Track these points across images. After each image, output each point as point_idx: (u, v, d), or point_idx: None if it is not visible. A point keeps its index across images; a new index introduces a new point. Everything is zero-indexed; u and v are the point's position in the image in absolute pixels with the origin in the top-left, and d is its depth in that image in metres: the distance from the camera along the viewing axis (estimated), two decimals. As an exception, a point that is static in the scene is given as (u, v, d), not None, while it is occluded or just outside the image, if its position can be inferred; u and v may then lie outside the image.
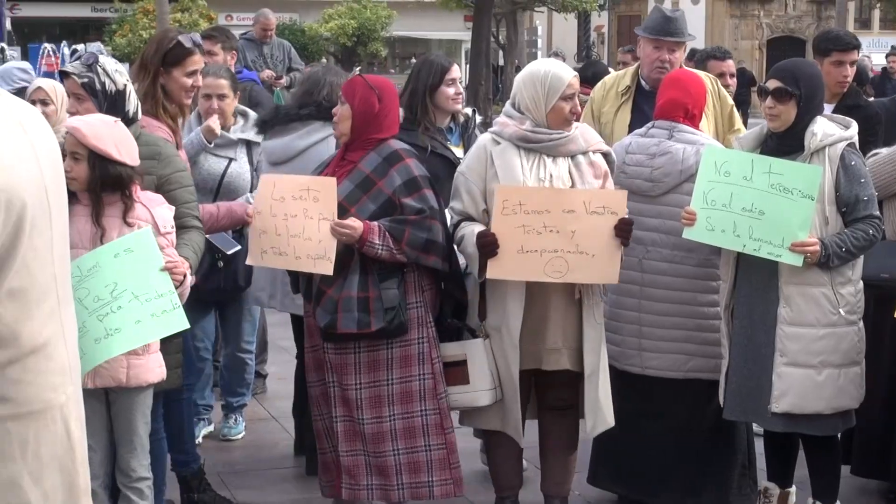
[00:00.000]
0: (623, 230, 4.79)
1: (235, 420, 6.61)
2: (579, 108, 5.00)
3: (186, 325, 4.28)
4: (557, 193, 4.78)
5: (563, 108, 4.86)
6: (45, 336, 2.95)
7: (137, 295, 4.17)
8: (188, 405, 5.40)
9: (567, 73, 4.91)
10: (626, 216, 4.83)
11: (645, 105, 5.87)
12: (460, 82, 5.74)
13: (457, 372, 4.90)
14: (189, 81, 5.07)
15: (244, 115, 6.03)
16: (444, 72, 5.60)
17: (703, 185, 4.93)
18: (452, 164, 5.36)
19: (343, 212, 4.76)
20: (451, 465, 4.90)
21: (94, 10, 46.27)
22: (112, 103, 4.65)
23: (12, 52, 20.86)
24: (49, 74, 18.41)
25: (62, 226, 3.10)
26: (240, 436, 6.59)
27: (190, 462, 5.41)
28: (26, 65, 9.47)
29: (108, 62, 4.74)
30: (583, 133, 4.97)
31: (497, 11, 33.46)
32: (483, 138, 5.00)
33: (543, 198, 4.75)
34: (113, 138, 4.30)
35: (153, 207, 4.38)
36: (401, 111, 5.20)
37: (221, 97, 5.96)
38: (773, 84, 4.90)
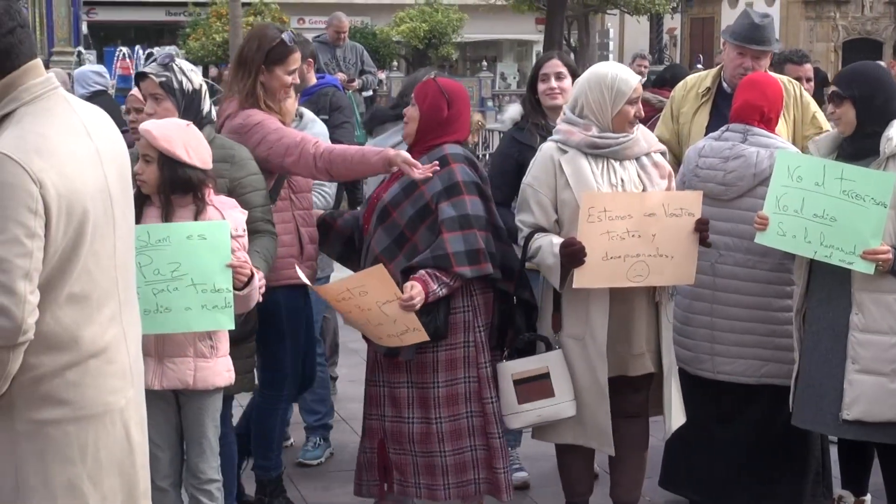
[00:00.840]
0: (702, 231, 4.83)
1: (315, 443, 6.31)
2: (642, 111, 4.99)
3: (231, 327, 4.29)
4: (640, 197, 4.80)
5: (629, 112, 4.86)
6: (106, 340, 2.98)
7: (196, 283, 4.19)
8: (282, 414, 5.38)
9: (633, 77, 4.91)
10: (702, 216, 4.85)
11: (724, 108, 5.82)
12: (560, 77, 5.69)
13: (540, 386, 4.87)
14: (289, 79, 5.12)
15: (300, 116, 5.92)
16: (539, 66, 5.71)
17: (776, 189, 4.90)
18: None
19: (386, 215, 4.88)
20: (493, 468, 4.91)
21: (169, 13, 46.77)
22: (189, 103, 4.72)
23: (88, 55, 21.17)
24: (124, 78, 18.64)
25: (126, 231, 3.12)
26: (315, 461, 6.26)
27: (271, 469, 5.43)
28: (101, 68, 9.62)
29: (183, 62, 4.82)
30: (643, 134, 4.98)
31: (569, 14, 33.34)
32: (547, 147, 4.96)
33: (627, 203, 4.76)
34: (183, 141, 4.34)
35: (225, 210, 4.41)
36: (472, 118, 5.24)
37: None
38: (830, 87, 4.92)
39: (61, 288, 2.90)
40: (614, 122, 4.87)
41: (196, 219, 4.35)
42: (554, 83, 5.67)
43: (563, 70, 5.69)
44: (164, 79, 4.72)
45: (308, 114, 5.96)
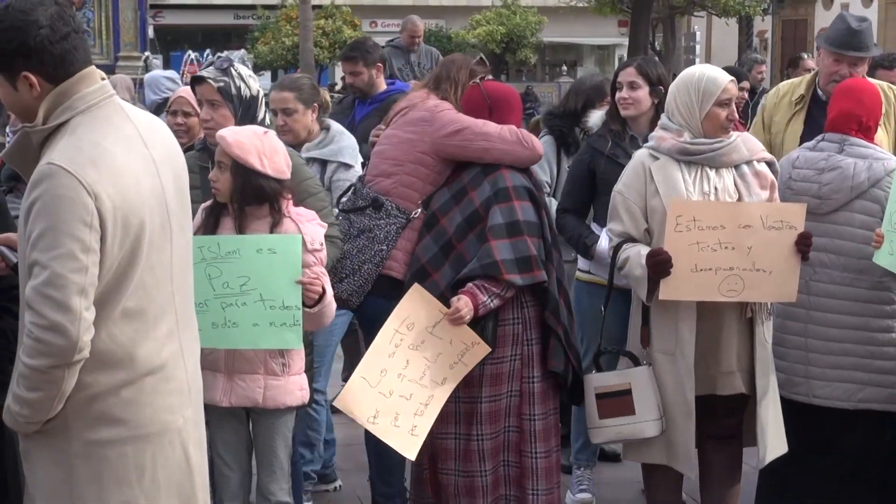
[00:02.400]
0: (803, 245, 4.77)
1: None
2: (736, 114, 4.94)
3: (299, 346, 4.29)
4: (734, 208, 4.75)
5: (719, 115, 4.82)
6: (163, 357, 2.98)
7: (265, 298, 4.20)
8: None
9: (722, 77, 4.87)
10: (804, 230, 4.80)
11: (819, 117, 5.73)
12: (633, 87, 5.69)
13: (621, 402, 4.84)
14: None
15: (327, 130, 5.86)
16: (616, 74, 5.82)
17: (891, 206, 4.82)
18: None
19: (435, 222, 4.95)
20: (523, 487, 4.92)
21: (237, 17, 47.31)
22: (246, 109, 4.75)
23: (155, 59, 21.45)
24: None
25: (184, 244, 3.12)
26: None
27: (394, 496, 5.39)
28: (173, 73, 9.76)
29: (241, 67, 4.84)
30: (744, 141, 4.92)
31: (654, 16, 33.21)
32: (639, 154, 4.98)
33: (719, 213, 4.72)
34: (258, 149, 4.35)
35: (303, 223, 4.42)
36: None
37: (286, 112, 5.72)
38: None
39: (116, 303, 2.91)
40: (704, 125, 4.83)
41: (272, 231, 4.36)
42: (626, 93, 5.69)
43: (637, 80, 5.68)
44: (222, 84, 4.75)
45: (335, 126, 5.94)
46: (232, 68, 4.77)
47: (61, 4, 2.93)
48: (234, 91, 4.75)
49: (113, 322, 2.89)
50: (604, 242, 5.38)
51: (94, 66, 2.99)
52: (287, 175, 4.42)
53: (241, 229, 4.37)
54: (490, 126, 5.00)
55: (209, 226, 4.42)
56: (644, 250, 4.77)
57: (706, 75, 4.86)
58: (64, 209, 2.75)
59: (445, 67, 5.42)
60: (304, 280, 4.25)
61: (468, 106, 5.11)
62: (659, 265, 4.69)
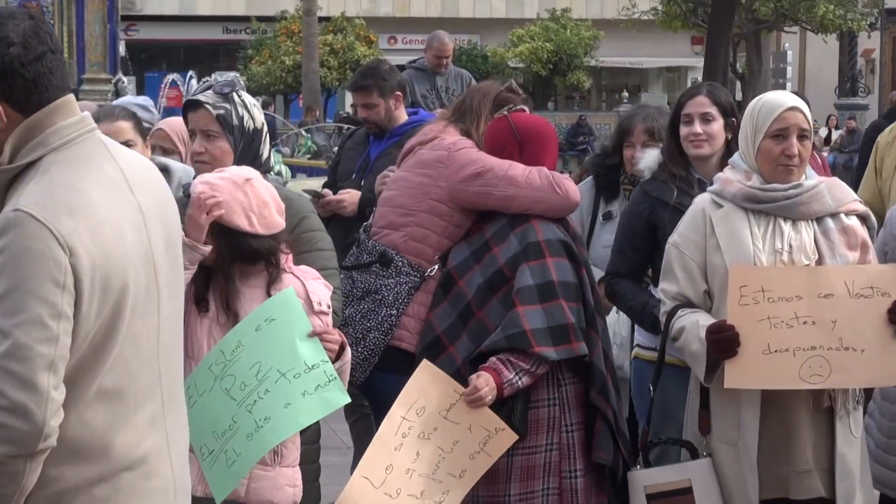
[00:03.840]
0: None
1: None
2: (806, 151, 4.79)
3: (347, 400, 4.29)
4: (811, 273, 4.69)
5: (771, 150, 4.74)
6: (145, 449, 2.94)
7: (284, 372, 4.22)
8: None
9: (781, 101, 4.80)
10: None
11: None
12: (707, 119, 5.60)
13: (680, 503, 4.84)
14: None
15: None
16: (681, 105, 5.65)
17: None
18: None
19: (452, 283, 4.99)
20: None
21: (227, 31, 47.47)
22: (248, 144, 4.81)
23: (127, 83, 21.58)
24: (172, 112, 18.95)
25: (174, 310, 3.10)
26: None
27: None
28: (147, 100, 9.55)
29: (245, 94, 4.90)
30: (830, 188, 4.83)
31: (735, 32, 33.21)
32: (700, 200, 4.92)
33: (793, 280, 4.67)
34: (242, 205, 4.41)
35: (307, 280, 4.46)
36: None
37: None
38: None
39: (91, 382, 2.85)
40: (759, 163, 4.77)
41: (269, 289, 4.40)
42: (698, 127, 5.56)
43: (712, 111, 5.55)
44: (222, 111, 4.80)
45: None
46: (235, 94, 4.82)
47: (36, 19, 2.91)
48: (235, 121, 4.80)
49: (86, 404, 2.85)
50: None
51: (72, 95, 2.96)
52: (282, 225, 4.45)
53: (228, 301, 4.42)
54: (517, 168, 5.03)
55: (196, 291, 4.47)
56: (703, 319, 4.72)
57: (764, 100, 4.83)
58: (32, 265, 2.72)
59: (470, 96, 5.49)
60: (319, 329, 4.29)
61: (493, 142, 5.13)
62: (723, 344, 4.63)
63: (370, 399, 5.43)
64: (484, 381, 4.68)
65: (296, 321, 4.27)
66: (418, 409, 4.69)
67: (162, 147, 5.82)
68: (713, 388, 4.77)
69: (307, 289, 4.40)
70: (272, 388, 4.18)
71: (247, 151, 4.79)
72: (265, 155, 4.88)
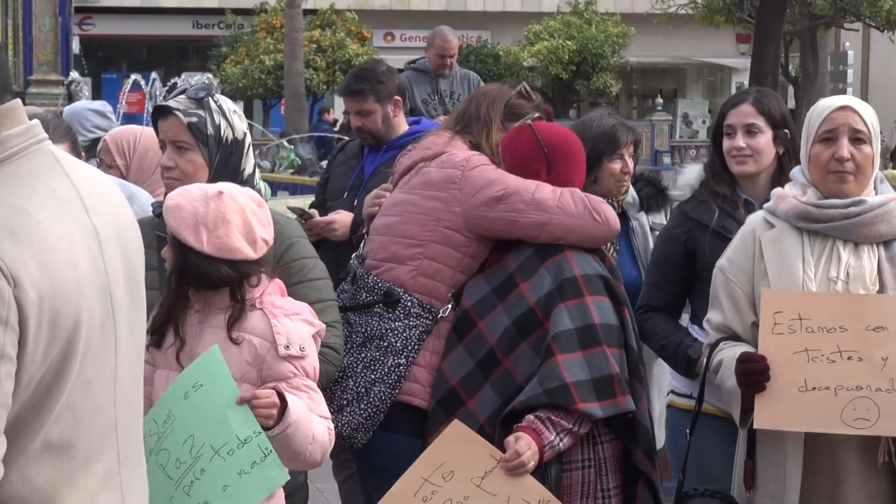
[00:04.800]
0: None
1: None
2: (864, 157, 4.73)
3: (285, 478, 4.31)
4: (859, 302, 4.68)
5: (819, 155, 4.75)
6: None
7: (217, 448, 4.25)
8: None
9: (836, 101, 4.83)
10: None
11: None
12: (751, 131, 5.59)
13: None
14: None
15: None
16: (724, 115, 5.65)
17: None
18: None
19: (469, 325, 4.97)
20: None
21: (197, 25, 47.59)
22: (226, 157, 4.85)
23: (82, 85, 21.55)
24: (133, 119, 18.95)
25: (133, 351, 3.10)
26: None
27: None
28: (104, 106, 9.59)
29: (224, 100, 4.93)
30: None
31: (788, 28, 33.28)
32: (753, 219, 4.95)
33: (837, 308, 4.67)
34: (196, 217, 4.42)
35: (277, 317, 4.45)
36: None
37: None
38: None
39: (35, 433, 2.85)
40: (812, 174, 4.80)
41: (229, 331, 4.43)
42: (741, 141, 5.58)
43: (758, 122, 5.56)
44: (194, 119, 4.83)
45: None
46: (211, 99, 4.85)
47: None
48: (210, 130, 4.83)
49: (29, 459, 2.84)
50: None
51: (18, 100, 2.94)
52: (249, 254, 4.45)
53: (175, 326, 4.46)
54: (545, 190, 5.02)
55: (163, 325, 4.50)
56: (742, 352, 4.76)
57: (820, 104, 4.85)
58: None
59: (475, 102, 5.48)
60: (246, 396, 4.27)
61: (514, 158, 5.10)
62: (751, 376, 4.64)
63: (368, 465, 5.36)
64: (525, 445, 4.67)
65: (222, 386, 4.29)
66: (445, 472, 4.70)
67: (108, 164, 5.86)
68: (760, 436, 4.78)
69: (273, 329, 4.40)
70: (208, 467, 4.23)
71: (224, 166, 4.82)
72: (248, 170, 4.91)
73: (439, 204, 5.14)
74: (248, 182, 4.86)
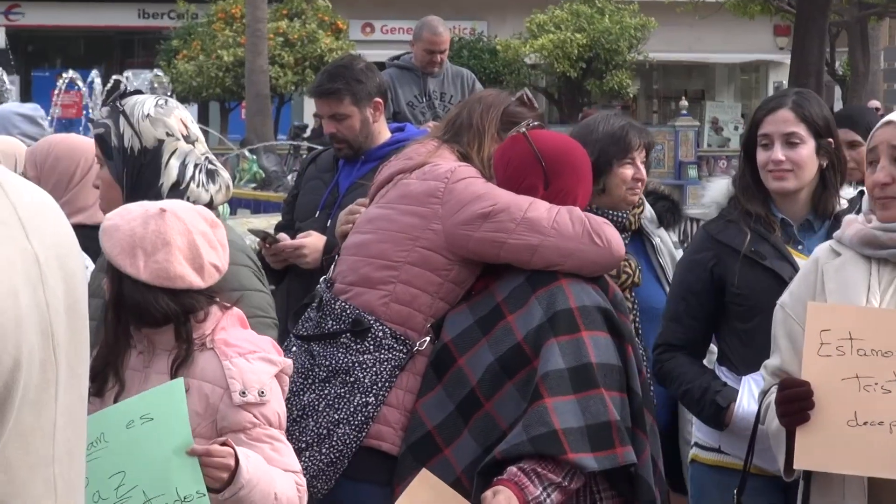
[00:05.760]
0: None
1: None
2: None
3: None
4: None
5: (867, 181, 4.84)
6: None
7: (150, 497, 4.25)
8: None
9: (892, 116, 4.88)
10: None
11: None
12: (791, 141, 5.56)
13: None
14: None
15: None
16: (758, 121, 5.62)
17: None
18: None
19: (449, 361, 5.00)
20: None
21: (143, 15, 47.64)
22: (135, 171, 4.91)
23: (9, 84, 21.61)
24: (68, 124, 18.98)
25: (75, 397, 3.10)
26: None
27: None
28: (35, 109, 9.54)
29: (144, 101, 4.97)
30: None
31: (834, 19, 33.33)
32: (819, 248, 5.00)
33: (892, 325, 4.74)
34: (133, 239, 4.43)
35: (231, 358, 4.45)
36: None
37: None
38: None
39: None
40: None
41: (174, 372, 4.44)
42: (779, 153, 5.58)
43: (799, 130, 5.53)
44: (101, 130, 4.91)
45: None
46: (123, 104, 4.91)
47: None
48: (114, 142, 4.89)
49: None
50: (748, 401, 5.33)
51: None
52: (194, 282, 4.45)
53: (115, 366, 4.49)
54: (539, 208, 5.04)
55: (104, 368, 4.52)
56: None
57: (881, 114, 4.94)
58: None
59: (468, 108, 5.52)
60: (198, 450, 4.28)
61: (507, 170, 5.14)
62: (790, 403, 4.66)
63: None
64: (505, 500, 4.70)
65: (175, 428, 4.29)
66: None
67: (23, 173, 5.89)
68: (814, 485, 4.78)
69: (226, 370, 4.40)
70: None
71: (138, 183, 4.89)
72: (166, 184, 4.93)
73: (418, 220, 5.17)
74: (176, 192, 4.88)
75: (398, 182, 5.34)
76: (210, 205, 4.91)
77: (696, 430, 5.79)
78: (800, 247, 5.53)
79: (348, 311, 5.19)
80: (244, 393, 4.41)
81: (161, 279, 4.40)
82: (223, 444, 4.33)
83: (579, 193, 5.16)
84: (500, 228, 5.02)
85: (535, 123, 5.32)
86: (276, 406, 4.49)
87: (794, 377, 4.71)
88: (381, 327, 5.15)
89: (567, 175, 5.14)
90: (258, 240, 6.61)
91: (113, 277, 4.44)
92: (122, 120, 4.88)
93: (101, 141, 4.86)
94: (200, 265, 4.46)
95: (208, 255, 4.49)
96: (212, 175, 5.09)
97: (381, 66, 9.22)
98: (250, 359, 4.48)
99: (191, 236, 4.47)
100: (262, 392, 4.44)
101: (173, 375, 4.39)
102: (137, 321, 4.45)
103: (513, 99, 5.50)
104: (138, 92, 5.01)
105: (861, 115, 7.63)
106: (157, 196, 4.81)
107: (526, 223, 4.99)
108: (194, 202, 4.89)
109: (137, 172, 4.86)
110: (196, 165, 5.03)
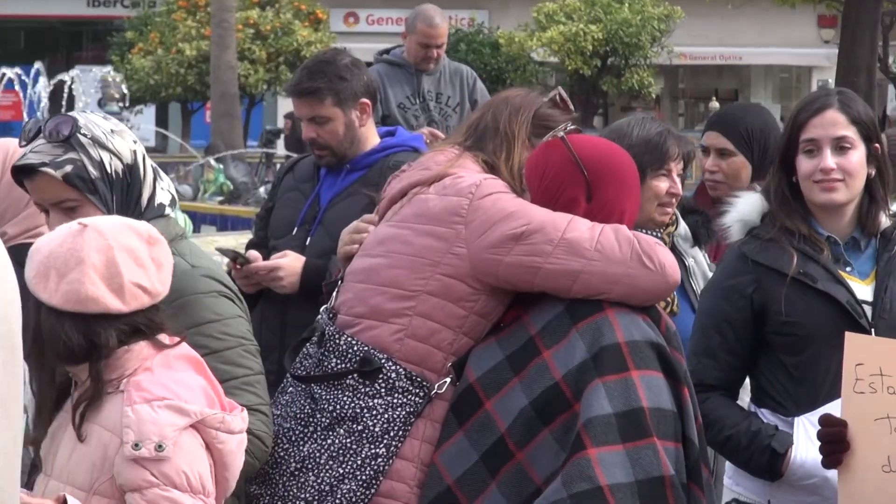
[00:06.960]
0: None
1: None
2: None
3: None
4: None
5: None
6: None
7: None
8: None
9: None
10: None
11: None
12: (841, 146, 5.54)
13: None
14: None
15: None
16: (800, 125, 5.57)
17: None
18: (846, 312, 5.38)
19: (475, 405, 4.94)
20: None
21: (93, 3, 47.62)
22: (124, 191, 4.94)
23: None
24: (6, 128, 19.01)
25: (9, 439, 3.12)
26: None
27: None
28: None
29: (94, 119, 4.97)
30: None
31: (887, 10, 33.37)
32: None
33: None
34: (47, 260, 4.43)
35: (134, 404, 4.38)
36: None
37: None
38: None
39: None
40: None
41: (75, 413, 4.44)
42: (829, 160, 5.55)
43: (850, 133, 5.51)
44: (69, 169, 4.86)
45: None
46: (79, 130, 4.88)
47: None
48: (94, 172, 4.88)
49: None
50: (805, 446, 5.28)
51: None
52: (111, 305, 4.42)
53: (45, 413, 4.55)
54: (581, 227, 4.99)
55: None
56: None
57: None
58: None
59: (493, 111, 5.47)
60: None
61: (543, 182, 5.12)
62: (827, 445, 4.77)
63: None
64: None
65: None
66: None
67: None
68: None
69: (124, 419, 4.38)
70: None
71: (127, 203, 4.92)
72: (146, 194, 4.98)
73: (438, 243, 5.10)
74: (151, 209, 4.95)
75: (414, 197, 5.25)
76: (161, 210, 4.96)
77: (734, 485, 5.73)
78: (848, 268, 5.50)
79: (355, 348, 5.11)
80: (137, 445, 4.36)
81: (72, 303, 4.39)
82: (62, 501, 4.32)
83: (627, 208, 5.11)
84: (534, 252, 4.95)
85: (573, 127, 5.26)
86: (184, 465, 4.42)
87: (832, 415, 4.78)
88: (393, 367, 5.08)
89: (613, 185, 5.09)
90: (227, 260, 6.62)
91: (34, 306, 4.40)
92: (93, 148, 4.86)
93: (78, 180, 4.82)
94: (119, 285, 4.42)
95: (131, 274, 4.45)
96: (157, 173, 5.13)
97: (368, 62, 9.24)
98: (155, 406, 4.42)
99: (110, 252, 4.44)
100: (161, 446, 4.38)
101: (75, 418, 4.41)
102: (49, 355, 4.44)
103: (544, 100, 5.45)
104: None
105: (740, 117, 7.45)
106: (137, 212, 4.87)
107: (565, 245, 4.93)
108: (158, 205, 4.97)
109: (127, 192, 4.90)
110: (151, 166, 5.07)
